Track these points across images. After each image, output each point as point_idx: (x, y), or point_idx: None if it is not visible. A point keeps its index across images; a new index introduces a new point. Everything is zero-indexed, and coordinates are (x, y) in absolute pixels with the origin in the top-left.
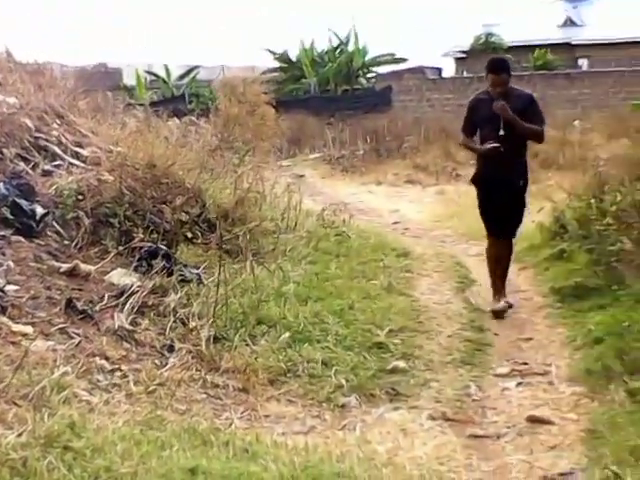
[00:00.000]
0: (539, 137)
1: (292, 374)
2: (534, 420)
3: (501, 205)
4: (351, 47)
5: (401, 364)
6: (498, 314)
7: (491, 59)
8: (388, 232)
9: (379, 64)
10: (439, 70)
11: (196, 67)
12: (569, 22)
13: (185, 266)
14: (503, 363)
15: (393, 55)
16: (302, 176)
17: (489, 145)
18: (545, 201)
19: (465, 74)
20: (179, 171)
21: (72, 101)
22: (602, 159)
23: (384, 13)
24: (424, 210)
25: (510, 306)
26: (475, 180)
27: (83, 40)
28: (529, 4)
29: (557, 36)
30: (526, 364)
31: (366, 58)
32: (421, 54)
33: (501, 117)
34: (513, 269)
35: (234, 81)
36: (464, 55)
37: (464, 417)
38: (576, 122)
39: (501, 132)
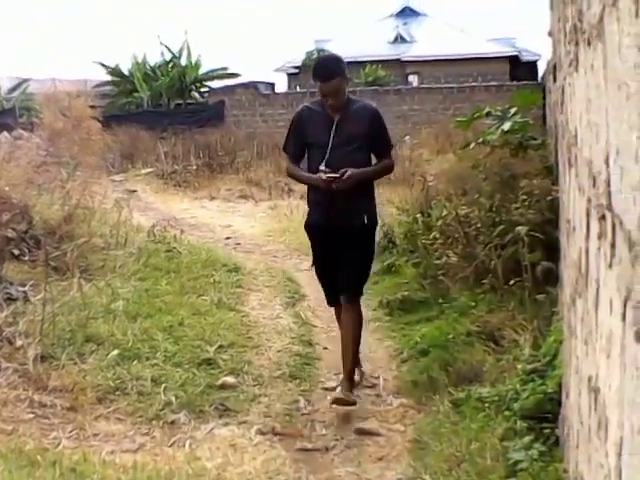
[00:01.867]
0: (389, 171)
1: (121, 392)
2: (362, 432)
3: (342, 257)
4: (184, 61)
5: (230, 380)
6: (341, 401)
7: (317, 62)
8: (220, 247)
9: (212, 79)
10: (272, 85)
11: (26, 80)
12: (400, 39)
13: (11, 284)
14: (332, 377)
15: (226, 70)
16: (134, 191)
17: (324, 175)
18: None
19: (298, 89)
20: (5, 186)
21: None
22: (430, 174)
23: (217, 27)
24: (257, 225)
25: (355, 402)
26: (308, 226)
27: None
28: (361, 21)
29: (388, 52)
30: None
31: (199, 72)
32: (254, 69)
33: (335, 131)
34: None
35: (59, 95)
36: (297, 70)
37: (293, 431)
38: (406, 137)
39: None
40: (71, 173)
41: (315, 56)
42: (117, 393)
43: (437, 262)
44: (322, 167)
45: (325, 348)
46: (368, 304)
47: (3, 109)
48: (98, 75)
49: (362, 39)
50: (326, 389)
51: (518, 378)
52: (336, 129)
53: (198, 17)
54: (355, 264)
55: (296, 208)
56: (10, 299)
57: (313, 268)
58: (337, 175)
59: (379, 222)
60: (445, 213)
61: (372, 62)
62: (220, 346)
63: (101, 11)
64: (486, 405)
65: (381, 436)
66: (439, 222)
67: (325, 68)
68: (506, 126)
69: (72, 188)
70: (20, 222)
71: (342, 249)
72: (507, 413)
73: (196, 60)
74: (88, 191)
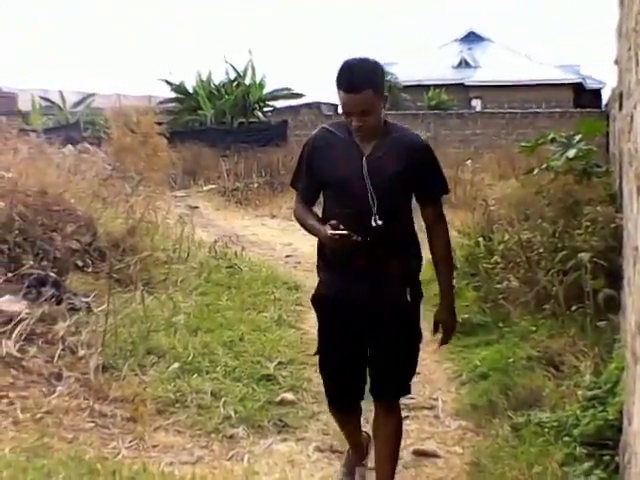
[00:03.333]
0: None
1: (181, 404)
2: (420, 453)
3: (373, 346)
4: (248, 80)
5: (289, 396)
6: None
7: (343, 64)
8: (280, 265)
9: (276, 98)
10: (335, 106)
11: (92, 95)
12: (464, 63)
13: (75, 294)
14: None
15: (290, 90)
16: (196, 207)
17: (335, 231)
18: None
19: None
20: (71, 199)
21: None
22: (492, 199)
23: (282, 46)
24: (308, 242)
25: None
26: (318, 299)
27: None
28: (426, 45)
29: (452, 77)
30: (413, 398)
31: (263, 92)
32: (318, 90)
33: (368, 168)
34: None
35: (127, 110)
36: None
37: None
38: (468, 162)
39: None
40: (135, 188)
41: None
42: (177, 405)
43: (498, 286)
44: (372, 223)
45: None
46: (427, 326)
47: (68, 123)
48: (162, 92)
49: (427, 63)
50: None
51: (578, 404)
52: (368, 165)
53: (263, 37)
54: (396, 354)
55: None
56: (73, 309)
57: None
58: (355, 237)
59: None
60: (507, 237)
61: (436, 86)
62: (280, 362)
63: (166, 28)
64: (546, 430)
65: (439, 458)
66: (501, 246)
67: (352, 72)
68: (571, 153)
69: (136, 202)
70: (84, 234)
71: (372, 334)
72: (567, 439)
73: (260, 79)
74: (152, 206)
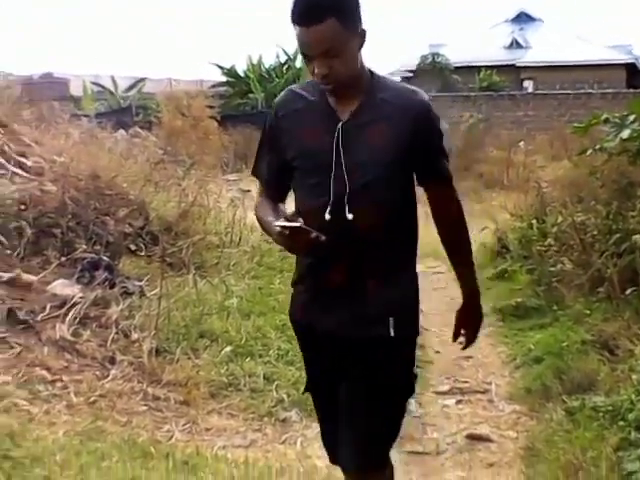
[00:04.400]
0: (463, 218)
1: (234, 388)
2: (473, 437)
3: (347, 393)
4: (299, 63)
5: None
6: None
7: None
8: None
9: None
10: None
11: (143, 79)
12: (515, 44)
13: (128, 278)
14: (443, 381)
15: None
16: (248, 191)
17: (285, 223)
18: (488, 221)
19: None
20: (123, 183)
21: (16, 110)
22: (545, 181)
23: None
24: None
25: None
26: (292, 321)
27: (29, 48)
28: (475, 25)
29: (503, 58)
30: (466, 382)
31: None
32: None
33: (343, 142)
34: (456, 288)
35: (178, 94)
36: (411, 74)
37: (404, 433)
38: (521, 143)
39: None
40: (187, 171)
41: (430, 60)
42: (230, 389)
43: (552, 269)
44: (327, 216)
45: (437, 352)
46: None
47: (120, 107)
48: (214, 76)
49: (477, 44)
50: (437, 393)
51: (633, 388)
52: (343, 137)
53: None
54: (362, 408)
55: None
56: (126, 293)
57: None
58: (315, 234)
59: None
60: (560, 220)
61: (487, 67)
62: None
63: (216, 12)
64: (600, 414)
65: (493, 442)
66: (554, 229)
67: (311, 1)
68: (625, 134)
69: (188, 186)
70: (137, 218)
71: (342, 376)
72: (622, 423)
73: None
74: (204, 189)
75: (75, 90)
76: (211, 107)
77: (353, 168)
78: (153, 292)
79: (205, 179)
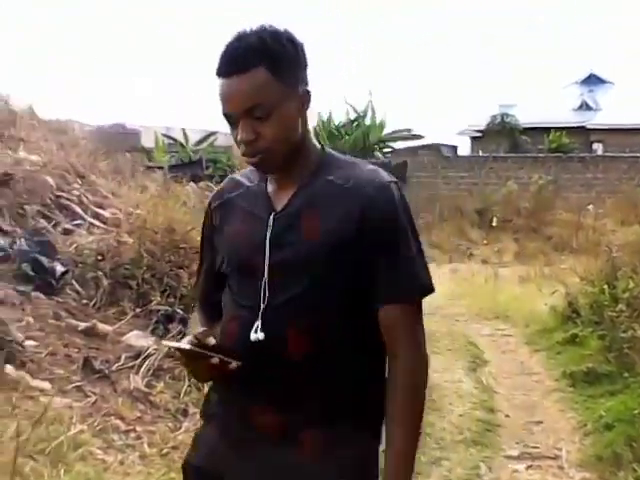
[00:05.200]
0: (421, 386)
1: None
2: None
3: None
4: (368, 121)
5: None
6: None
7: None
8: None
9: (395, 139)
10: (455, 148)
11: (214, 133)
12: (585, 106)
13: None
14: (513, 445)
15: (410, 131)
16: None
17: (172, 344)
18: (558, 284)
19: (481, 153)
20: (197, 236)
21: (93, 161)
22: (615, 245)
23: (401, 88)
24: (437, 287)
25: None
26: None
27: (102, 99)
28: (546, 87)
29: (572, 119)
30: (536, 447)
31: (383, 133)
32: (437, 131)
33: (274, 234)
34: (526, 351)
35: None
36: (480, 134)
37: None
38: (590, 206)
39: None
40: None
41: (499, 120)
42: None
43: (623, 335)
44: (252, 335)
45: (507, 416)
46: (551, 374)
47: (190, 160)
48: None
49: (547, 105)
50: (507, 457)
51: None
52: (275, 233)
53: (383, 78)
54: None
55: (478, 273)
56: None
57: None
58: (215, 358)
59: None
60: (632, 285)
61: (556, 129)
62: None
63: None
64: None
65: None
66: (626, 294)
67: (235, 42)
68: None
69: None
70: None
71: None
72: None
73: (380, 120)
74: None
75: (146, 141)
76: None
77: (280, 274)
78: None
79: None
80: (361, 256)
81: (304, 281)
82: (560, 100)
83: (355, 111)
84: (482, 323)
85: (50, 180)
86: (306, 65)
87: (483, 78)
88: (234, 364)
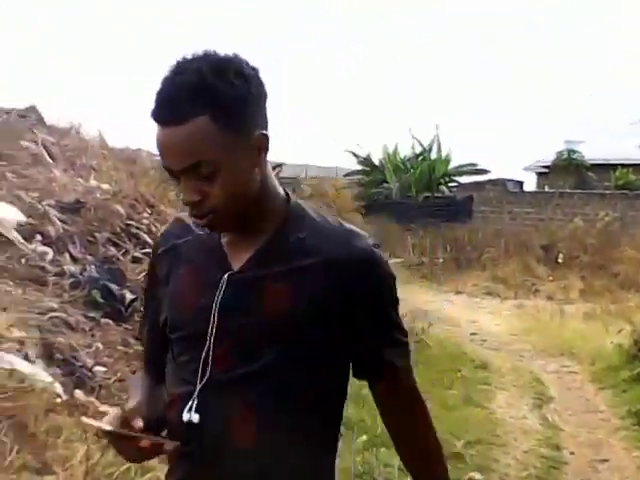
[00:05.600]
0: (433, 434)
1: (368, 477)
2: None
3: None
4: (434, 155)
5: (477, 476)
6: None
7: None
8: (466, 342)
9: (461, 174)
10: (520, 183)
11: (280, 164)
12: None
13: None
14: None
15: (475, 165)
16: None
17: (89, 421)
18: (624, 322)
19: (547, 189)
20: None
21: (162, 191)
22: None
23: (466, 123)
24: (502, 323)
25: None
26: None
27: None
28: (613, 123)
29: (639, 156)
30: None
31: (448, 167)
32: (503, 166)
33: (224, 301)
34: (591, 389)
35: (324, 184)
36: (546, 170)
37: None
38: None
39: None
40: None
41: (565, 157)
42: (364, 477)
43: None
44: (185, 415)
45: (572, 453)
46: (616, 412)
47: None
48: (346, 163)
49: (613, 142)
50: None
51: None
52: (228, 296)
53: (448, 112)
54: None
55: (543, 309)
56: None
57: None
58: (147, 440)
59: None
60: None
61: (623, 165)
62: (467, 441)
63: (359, 103)
64: None
65: None
66: None
67: (170, 84)
68: None
69: None
70: None
71: None
72: None
73: (446, 154)
74: None
75: None
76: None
77: (231, 346)
78: None
79: None
80: (336, 329)
81: (262, 357)
82: (627, 137)
83: (421, 145)
84: (547, 360)
85: (120, 209)
86: (261, 102)
87: (550, 113)
88: (170, 445)
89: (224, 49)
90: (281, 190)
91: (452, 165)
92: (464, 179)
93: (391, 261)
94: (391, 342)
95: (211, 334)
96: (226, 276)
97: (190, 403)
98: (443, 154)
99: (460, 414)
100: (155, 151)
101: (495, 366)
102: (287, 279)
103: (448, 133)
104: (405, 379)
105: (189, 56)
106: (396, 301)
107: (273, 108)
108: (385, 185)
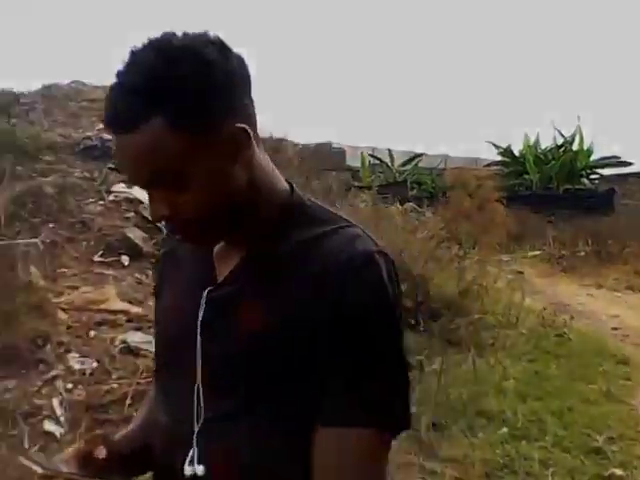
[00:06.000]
0: None
1: (509, 470)
2: None
3: None
4: (575, 146)
5: (619, 472)
6: None
7: None
8: (607, 337)
9: (603, 166)
10: None
11: (420, 155)
12: None
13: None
14: None
15: (618, 158)
16: (521, 273)
17: (29, 462)
18: None
19: None
20: (406, 258)
21: (305, 180)
22: None
23: (608, 113)
24: None
25: None
26: None
27: (313, 118)
28: None
29: None
30: None
31: (590, 159)
32: None
33: (201, 338)
34: None
35: (466, 175)
36: None
37: None
38: None
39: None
40: (468, 251)
41: None
42: (505, 470)
43: None
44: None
45: None
46: None
47: (395, 181)
48: (486, 154)
49: None
50: None
51: None
52: (210, 312)
53: (590, 102)
54: None
55: None
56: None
57: None
58: None
59: None
60: None
61: None
62: (609, 437)
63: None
64: None
65: None
66: None
67: (119, 90)
68: None
69: (468, 266)
70: (417, 293)
71: None
72: None
73: (588, 146)
74: (482, 270)
75: (350, 161)
76: (497, 190)
77: (213, 377)
78: (431, 367)
79: (484, 260)
80: (325, 356)
81: (236, 393)
82: None
83: (562, 136)
84: None
85: None
86: (234, 90)
87: None
88: None
89: (444, 136)
90: (284, 185)
91: (594, 157)
92: (606, 171)
93: (530, 253)
94: (374, 394)
95: (195, 362)
96: (205, 292)
97: (191, 453)
98: (585, 146)
99: (601, 409)
100: (295, 139)
101: (637, 362)
102: (263, 295)
103: (590, 123)
104: (371, 447)
105: (140, 46)
106: (386, 352)
107: (415, 99)
108: (525, 176)
